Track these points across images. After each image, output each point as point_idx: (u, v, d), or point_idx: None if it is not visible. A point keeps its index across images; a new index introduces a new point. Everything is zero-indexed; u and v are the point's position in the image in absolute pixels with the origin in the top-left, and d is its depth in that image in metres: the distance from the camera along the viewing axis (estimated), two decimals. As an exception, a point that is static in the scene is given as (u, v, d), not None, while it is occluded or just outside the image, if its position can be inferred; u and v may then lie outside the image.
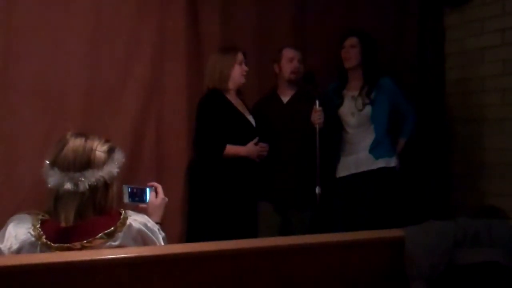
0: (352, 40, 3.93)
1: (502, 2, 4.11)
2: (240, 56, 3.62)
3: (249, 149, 3.57)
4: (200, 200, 3.53)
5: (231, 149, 3.51)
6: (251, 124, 3.65)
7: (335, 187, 3.95)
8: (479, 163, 4.32)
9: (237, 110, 3.59)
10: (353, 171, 3.90)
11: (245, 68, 3.64)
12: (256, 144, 3.59)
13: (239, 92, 3.71)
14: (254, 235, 3.59)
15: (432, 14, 4.65)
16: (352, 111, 3.90)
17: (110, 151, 1.97)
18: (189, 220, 3.60)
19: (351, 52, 3.92)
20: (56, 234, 1.84)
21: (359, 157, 3.89)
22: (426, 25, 4.63)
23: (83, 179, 1.85)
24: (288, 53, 3.85)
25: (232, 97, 3.62)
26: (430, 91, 4.60)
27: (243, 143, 3.56)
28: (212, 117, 3.50)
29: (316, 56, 4.16)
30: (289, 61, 3.83)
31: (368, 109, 3.86)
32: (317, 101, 3.62)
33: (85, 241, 1.84)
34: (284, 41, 4.08)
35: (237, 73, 3.61)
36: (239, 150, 3.54)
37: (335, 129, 3.92)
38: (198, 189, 3.57)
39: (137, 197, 2.29)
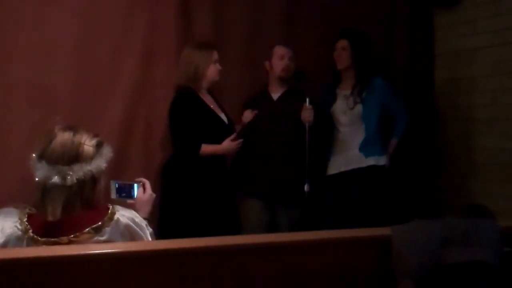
0: (343, 43, 3.95)
1: (493, 3, 4.13)
2: (215, 55, 3.59)
3: (227, 146, 3.54)
4: (172, 197, 3.49)
5: (207, 148, 3.48)
6: (223, 121, 3.61)
7: (325, 184, 3.97)
8: (468, 163, 4.33)
9: (209, 108, 3.56)
10: (343, 169, 3.92)
11: (219, 67, 3.60)
12: (233, 140, 3.55)
13: (210, 89, 3.67)
14: (230, 233, 3.56)
15: (422, 14, 4.66)
16: (344, 110, 3.93)
17: (98, 146, 1.96)
18: (160, 217, 3.53)
19: (342, 55, 3.95)
20: (43, 228, 1.83)
21: (349, 155, 3.91)
22: (416, 25, 4.65)
23: (71, 173, 1.84)
24: (279, 50, 3.84)
25: (204, 95, 3.59)
26: (420, 91, 4.62)
27: (217, 141, 3.52)
28: (186, 117, 3.46)
29: (307, 54, 4.15)
30: (280, 59, 3.83)
31: (359, 107, 3.88)
32: (307, 99, 3.63)
33: (72, 236, 1.83)
34: (275, 38, 4.08)
35: (212, 72, 3.57)
36: (216, 149, 3.51)
37: (326, 127, 3.93)
38: (170, 186, 3.53)
39: (125, 192, 2.28)
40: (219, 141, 3.52)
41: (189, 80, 3.53)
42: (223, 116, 3.63)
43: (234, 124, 3.72)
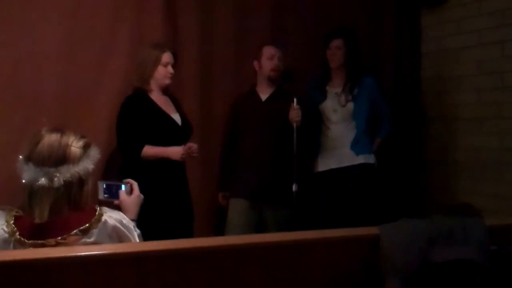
0: (338, 42, 3.94)
1: (478, 3, 4.16)
2: (165, 57, 3.45)
3: (171, 150, 3.37)
4: None
5: (150, 150, 3.35)
6: (176, 123, 3.49)
7: (315, 181, 3.97)
8: (455, 161, 4.37)
9: (160, 109, 3.44)
10: (334, 166, 3.93)
11: (170, 70, 3.47)
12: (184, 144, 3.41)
13: (166, 90, 3.56)
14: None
15: (408, 14, 4.69)
16: (335, 107, 3.94)
17: (85, 147, 1.95)
18: None
19: (337, 54, 3.95)
20: (30, 230, 1.82)
21: (341, 152, 3.92)
22: (403, 24, 4.68)
23: (58, 175, 1.83)
24: (269, 50, 3.83)
25: (156, 96, 3.48)
26: (406, 90, 4.65)
27: (168, 142, 3.41)
28: (133, 118, 3.36)
29: (293, 54, 4.16)
30: (269, 59, 3.82)
31: (350, 105, 3.90)
32: (295, 99, 3.63)
33: (59, 238, 1.82)
34: (262, 38, 4.08)
35: (160, 75, 3.45)
36: (159, 151, 3.37)
37: (314, 126, 3.93)
38: None
39: (112, 193, 2.27)
40: (171, 143, 3.41)
41: (139, 80, 3.47)
42: (176, 117, 3.50)
43: (192, 127, 3.61)
